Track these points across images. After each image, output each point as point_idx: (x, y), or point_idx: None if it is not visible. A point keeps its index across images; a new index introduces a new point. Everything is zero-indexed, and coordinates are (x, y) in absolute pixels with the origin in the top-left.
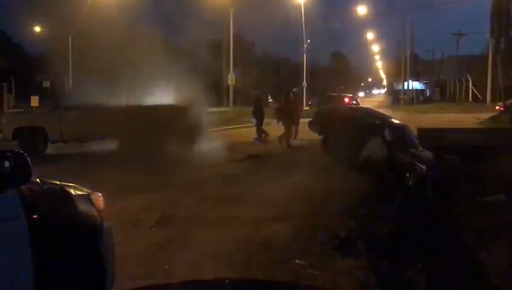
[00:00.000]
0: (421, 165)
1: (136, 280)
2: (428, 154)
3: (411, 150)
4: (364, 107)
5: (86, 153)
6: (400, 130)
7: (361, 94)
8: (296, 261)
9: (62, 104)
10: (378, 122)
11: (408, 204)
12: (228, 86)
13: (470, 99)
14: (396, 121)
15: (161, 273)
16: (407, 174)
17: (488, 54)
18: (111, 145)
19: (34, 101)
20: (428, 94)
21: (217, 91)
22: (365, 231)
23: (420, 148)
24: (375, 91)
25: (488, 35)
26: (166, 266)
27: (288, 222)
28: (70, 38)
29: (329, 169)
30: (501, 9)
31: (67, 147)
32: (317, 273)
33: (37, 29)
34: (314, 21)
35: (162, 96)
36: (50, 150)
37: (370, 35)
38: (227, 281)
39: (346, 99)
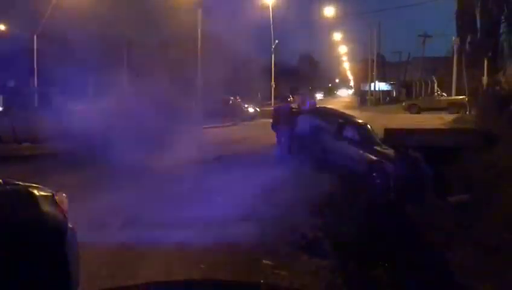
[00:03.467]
0: (388, 164)
1: (101, 281)
2: (392, 152)
3: (375, 147)
4: (327, 108)
5: (42, 154)
6: (362, 129)
7: (319, 96)
8: (264, 261)
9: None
10: (341, 121)
11: (375, 203)
12: None
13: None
14: (358, 120)
15: (127, 274)
16: (374, 174)
17: (452, 55)
18: (67, 146)
19: None
20: (394, 95)
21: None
22: (332, 231)
23: (384, 146)
24: (341, 92)
25: (453, 37)
26: (132, 267)
27: (256, 222)
28: (35, 36)
29: (296, 170)
30: (465, 11)
31: (22, 148)
32: (285, 273)
33: (1, 27)
34: (283, 22)
35: (128, 96)
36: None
37: (338, 37)
38: (193, 282)
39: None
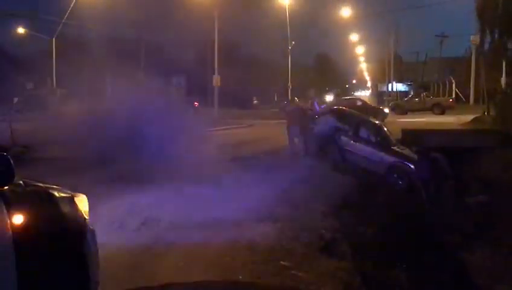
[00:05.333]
0: (408, 164)
1: (120, 282)
2: (410, 152)
3: (393, 148)
4: (344, 108)
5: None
6: (379, 129)
7: (329, 98)
8: (281, 262)
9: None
10: (358, 121)
11: (392, 204)
12: None
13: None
14: (375, 121)
15: (146, 275)
16: (395, 175)
17: (470, 55)
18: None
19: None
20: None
21: (203, 92)
22: (350, 231)
23: (401, 146)
24: (358, 93)
25: (471, 37)
26: (157, 269)
27: (273, 223)
28: (54, 39)
29: (313, 170)
30: (484, 10)
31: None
32: (302, 275)
33: (21, 30)
34: (299, 23)
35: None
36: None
37: (354, 37)
38: (212, 282)
39: None
